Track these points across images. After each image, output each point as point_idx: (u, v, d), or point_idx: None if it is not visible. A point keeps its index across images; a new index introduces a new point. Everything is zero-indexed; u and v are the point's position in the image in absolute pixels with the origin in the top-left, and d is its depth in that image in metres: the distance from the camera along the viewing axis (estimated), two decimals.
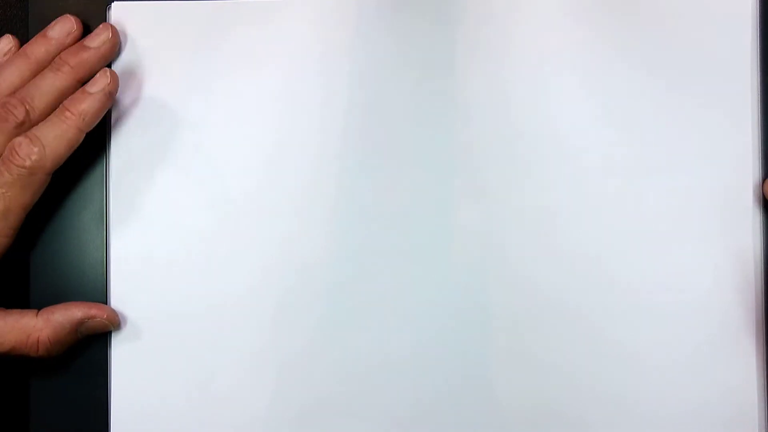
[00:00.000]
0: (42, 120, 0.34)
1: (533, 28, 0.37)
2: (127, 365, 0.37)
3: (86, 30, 0.37)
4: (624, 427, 0.36)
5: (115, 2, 0.38)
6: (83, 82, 0.35)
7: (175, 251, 0.37)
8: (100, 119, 0.35)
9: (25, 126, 0.34)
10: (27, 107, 0.34)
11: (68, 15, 0.37)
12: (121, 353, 0.37)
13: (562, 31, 0.37)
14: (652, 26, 0.37)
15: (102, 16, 0.38)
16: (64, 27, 0.37)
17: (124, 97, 0.37)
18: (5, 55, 0.37)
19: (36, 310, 0.35)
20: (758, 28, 0.36)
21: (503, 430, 0.36)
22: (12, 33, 0.38)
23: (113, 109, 0.37)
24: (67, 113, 0.34)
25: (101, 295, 0.37)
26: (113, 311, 0.36)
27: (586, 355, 0.36)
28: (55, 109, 0.35)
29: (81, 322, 0.35)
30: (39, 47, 0.36)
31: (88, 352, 0.37)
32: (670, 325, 0.36)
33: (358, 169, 0.37)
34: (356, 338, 0.37)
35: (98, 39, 0.36)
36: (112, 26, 0.37)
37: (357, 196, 0.37)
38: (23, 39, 0.38)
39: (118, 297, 0.37)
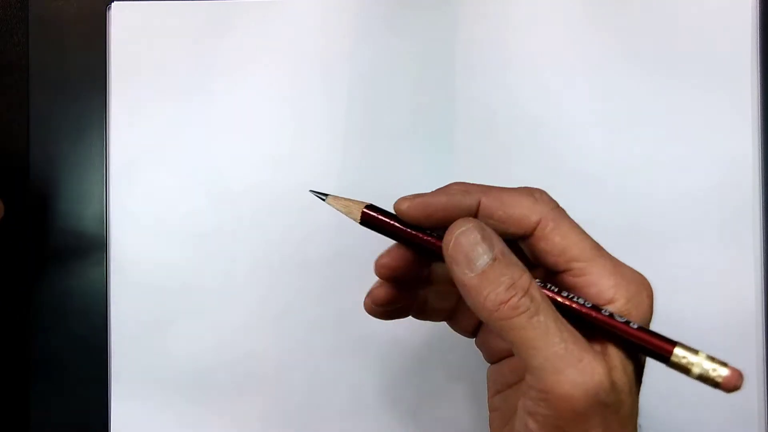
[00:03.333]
0: None
1: (533, 28, 0.37)
2: (126, 365, 0.37)
3: (86, 30, 0.37)
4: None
5: (115, 2, 0.38)
6: None
7: (175, 251, 0.37)
8: None
9: None
10: None
11: None
12: (120, 353, 0.37)
13: (561, 32, 0.37)
14: (652, 26, 0.37)
15: (102, 16, 0.38)
16: None
17: (125, 97, 0.37)
18: None
19: None
20: (758, 28, 0.36)
21: None
22: (12, 33, 0.38)
23: (113, 109, 0.37)
24: None
25: (101, 296, 0.37)
26: None
27: None
28: None
29: None
30: None
31: (88, 353, 0.37)
32: (670, 325, 0.36)
33: (358, 169, 0.37)
34: (358, 337, 0.37)
35: None
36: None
37: (357, 195, 0.37)
38: (23, 39, 0.38)
39: (118, 297, 0.37)
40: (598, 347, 0.24)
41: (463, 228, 0.24)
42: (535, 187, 0.26)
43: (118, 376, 0.37)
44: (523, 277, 0.23)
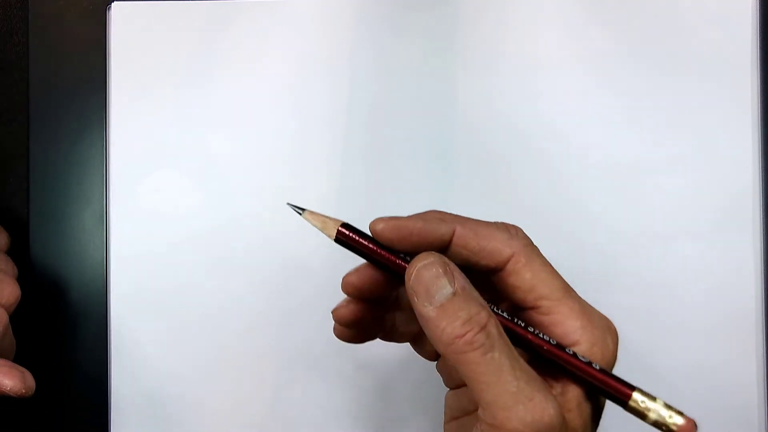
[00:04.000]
0: None
1: (533, 28, 0.37)
2: (127, 364, 0.37)
3: (86, 30, 0.37)
4: (621, 426, 0.36)
5: (115, 2, 0.38)
6: None
7: (175, 251, 0.37)
8: None
9: None
10: None
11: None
12: (121, 353, 0.37)
13: (561, 32, 0.37)
14: (652, 27, 0.37)
15: (102, 16, 0.38)
16: None
17: (125, 97, 0.37)
18: None
19: None
20: (758, 28, 0.37)
21: None
22: (12, 33, 0.38)
23: (113, 109, 0.37)
24: None
25: (101, 295, 0.37)
26: (30, 379, 0.31)
27: None
28: None
29: None
30: None
31: (88, 351, 0.37)
32: (670, 324, 0.36)
33: (358, 169, 0.37)
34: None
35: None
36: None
37: (358, 195, 0.37)
38: (23, 39, 0.38)
39: (118, 297, 0.37)
40: (559, 388, 0.24)
41: (426, 261, 0.24)
42: (511, 223, 0.26)
43: (118, 374, 0.37)
44: (480, 313, 0.23)
